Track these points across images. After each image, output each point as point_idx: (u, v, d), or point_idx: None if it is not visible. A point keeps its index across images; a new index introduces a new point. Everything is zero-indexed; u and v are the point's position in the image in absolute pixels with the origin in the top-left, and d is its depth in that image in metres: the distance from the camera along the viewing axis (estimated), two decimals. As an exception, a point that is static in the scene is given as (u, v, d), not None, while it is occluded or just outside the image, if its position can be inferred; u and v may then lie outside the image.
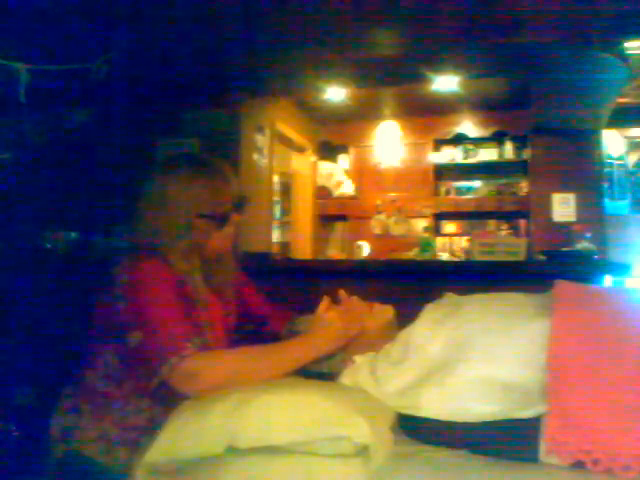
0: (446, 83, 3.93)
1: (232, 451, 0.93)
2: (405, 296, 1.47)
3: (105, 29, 2.62)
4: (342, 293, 1.27)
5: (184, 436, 0.95)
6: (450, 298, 1.30)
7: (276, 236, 4.84)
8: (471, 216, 5.23)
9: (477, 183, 5.28)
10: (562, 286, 1.17)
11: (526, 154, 4.77)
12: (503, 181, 5.15)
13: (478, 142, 5.13)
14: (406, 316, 1.21)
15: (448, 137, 5.12)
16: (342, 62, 3.32)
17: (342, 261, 3.74)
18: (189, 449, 0.94)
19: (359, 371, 1.13)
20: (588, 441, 0.85)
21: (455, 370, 1.01)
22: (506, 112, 4.76)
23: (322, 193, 5.43)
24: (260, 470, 0.93)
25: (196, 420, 0.96)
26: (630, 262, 2.02)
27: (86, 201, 2.81)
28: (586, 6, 2.53)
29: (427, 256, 3.30)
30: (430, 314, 1.18)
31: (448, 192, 5.30)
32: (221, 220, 1.22)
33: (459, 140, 5.16)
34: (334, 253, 5.35)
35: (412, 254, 3.66)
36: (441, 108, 4.79)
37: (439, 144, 5.25)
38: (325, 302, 1.21)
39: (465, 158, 5.19)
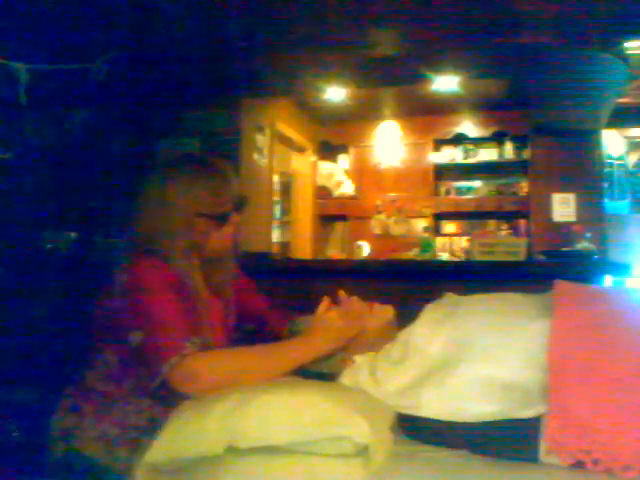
0: (446, 83, 3.93)
1: (232, 451, 0.93)
2: (405, 296, 1.47)
3: (105, 29, 2.62)
4: (342, 293, 1.27)
5: (184, 436, 0.96)
6: (450, 298, 1.29)
7: (276, 236, 4.84)
8: (471, 216, 5.23)
9: (477, 183, 5.28)
10: (562, 286, 1.17)
11: (526, 154, 4.77)
12: (503, 181, 5.16)
13: (478, 142, 5.13)
14: (406, 316, 1.21)
15: (448, 137, 5.13)
16: (342, 62, 3.32)
17: (342, 261, 3.74)
18: (189, 449, 0.94)
19: (359, 371, 1.13)
20: (588, 441, 0.85)
21: (455, 370, 1.01)
22: (506, 112, 4.76)
23: (322, 193, 5.43)
24: (260, 470, 0.93)
25: (196, 420, 0.96)
26: (630, 262, 2.02)
27: (86, 201, 2.81)
28: (586, 6, 2.53)
29: (427, 256, 3.31)
30: (430, 314, 1.18)
31: (448, 192, 5.30)
32: (221, 220, 1.22)
33: (459, 140, 5.16)
34: (334, 253, 5.35)
35: (412, 254, 3.66)
36: (441, 108, 4.79)
37: (439, 144, 5.25)
38: (325, 302, 1.21)
39: (465, 158, 5.19)
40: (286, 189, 5.14)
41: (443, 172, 5.33)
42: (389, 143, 5.26)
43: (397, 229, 5.10)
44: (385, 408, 1.03)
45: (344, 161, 5.55)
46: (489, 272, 2.04)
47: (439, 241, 5.16)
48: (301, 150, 5.13)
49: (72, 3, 2.41)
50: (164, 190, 1.18)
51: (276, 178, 4.69)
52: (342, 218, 5.49)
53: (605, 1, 2.48)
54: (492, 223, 5.20)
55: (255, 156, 3.95)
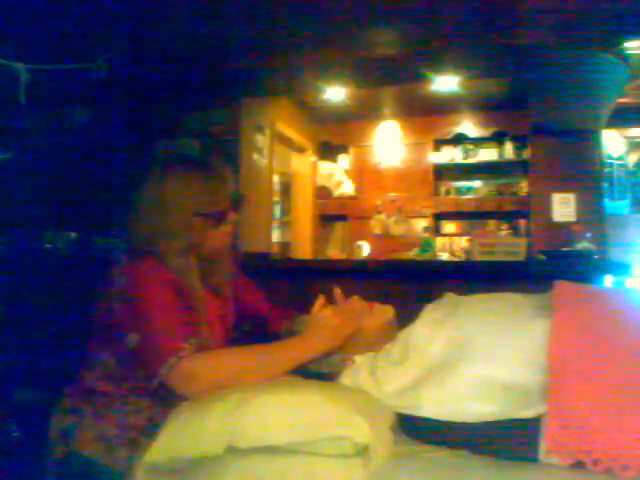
0: (446, 83, 3.93)
1: (232, 451, 0.93)
2: (405, 296, 1.47)
3: (105, 29, 2.62)
4: (337, 291, 1.27)
5: (184, 436, 0.95)
6: (450, 298, 1.29)
7: (276, 236, 4.84)
8: (471, 216, 5.23)
9: (477, 183, 5.29)
10: (562, 286, 1.17)
11: (526, 154, 4.77)
12: (503, 181, 5.16)
13: (478, 142, 5.13)
14: (406, 316, 1.21)
15: (448, 137, 5.13)
16: (342, 62, 3.32)
17: (342, 261, 3.74)
18: (189, 449, 0.94)
19: (359, 371, 1.13)
20: (588, 441, 0.85)
21: (455, 370, 1.01)
22: (506, 112, 4.76)
23: (322, 193, 5.43)
24: (260, 470, 0.93)
25: (196, 420, 0.96)
26: (630, 262, 2.02)
27: (86, 201, 2.81)
28: (586, 6, 2.53)
29: (427, 256, 3.31)
30: (430, 314, 1.18)
31: (448, 192, 5.30)
32: (218, 219, 1.22)
33: (459, 140, 5.16)
34: (334, 253, 5.35)
35: (412, 254, 3.66)
36: (441, 108, 4.79)
37: (439, 144, 5.25)
38: (320, 301, 1.21)
39: (465, 158, 5.19)
40: (286, 189, 5.14)
41: (443, 172, 5.34)
42: (389, 143, 5.26)
43: (397, 229, 5.10)
44: (385, 408, 1.03)
45: (344, 161, 5.55)
46: (489, 272, 2.04)
47: (439, 241, 5.16)
48: (301, 150, 5.13)
49: (72, 3, 2.41)
50: (161, 190, 1.18)
51: (276, 178, 4.69)
52: (342, 218, 5.49)
53: (605, 1, 2.48)
54: (492, 223, 5.20)
55: (255, 156, 3.95)
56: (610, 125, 4.23)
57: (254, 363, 1.10)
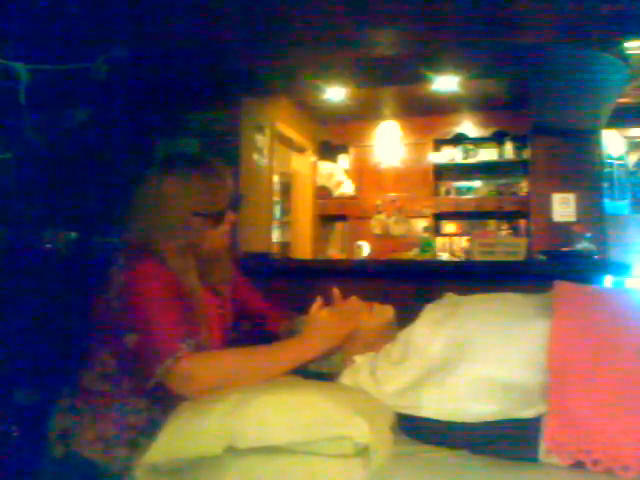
0: (446, 83, 3.93)
1: (232, 451, 0.93)
2: (405, 296, 1.47)
3: (105, 29, 2.62)
4: (335, 292, 1.27)
5: (184, 436, 0.95)
6: (450, 298, 1.30)
7: (276, 236, 4.85)
8: (471, 216, 5.23)
9: (477, 183, 5.29)
10: (562, 287, 1.17)
11: (526, 154, 4.77)
12: (503, 181, 5.16)
13: (478, 142, 5.13)
14: (406, 316, 1.21)
15: (448, 137, 5.13)
16: (342, 62, 3.32)
17: (342, 261, 3.74)
18: (189, 449, 0.94)
19: (359, 371, 1.13)
20: (588, 441, 0.85)
21: (455, 370, 1.01)
22: (506, 112, 4.76)
23: (322, 193, 5.44)
24: (260, 470, 0.93)
25: (195, 420, 0.96)
26: (630, 262, 2.02)
27: (86, 201, 2.81)
28: (586, 6, 2.53)
29: (427, 256, 3.30)
30: (430, 314, 1.18)
31: (448, 192, 5.30)
32: (217, 219, 1.22)
33: (459, 140, 5.16)
34: (334, 253, 5.35)
35: (412, 254, 3.66)
36: (441, 108, 4.79)
37: (439, 144, 5.25)
38: (317, 302, 1.21)
39: (465, 158, 5.19)
40: (286, 189, 5.14)
41: (443, 172, 5.34)
42: (389, 143, 5.26)
43: (397, 229, 5.10)
44: (385, 408, 1.03)
45: (344, 161, 5.56)
46: (489, 272, 2.03)
47: (439, 241, 5.16)
48: (301, 150, 5.13)
49: (72, 3, 2.41)
50: (159, 190, 1.18)
51: (276, 178, 4.69)
52: (342, 218, 5.49)
53: (605, 1, 2.48)
54: (492, 223, 5.20)
55: (255, 156, 3.95)
56: (610, 125, 4.23)
57: (253, 364, 1.10)
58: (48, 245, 2.49)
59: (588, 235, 3.63)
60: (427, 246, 3.46)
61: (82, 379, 1.19)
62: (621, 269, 1.98)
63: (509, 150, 5.00)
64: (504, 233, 4.89)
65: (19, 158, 2.45)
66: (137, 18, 2.62)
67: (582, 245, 3.45)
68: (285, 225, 5.15)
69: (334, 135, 5.41)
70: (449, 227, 5.38)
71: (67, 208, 2.68)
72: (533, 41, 2.83)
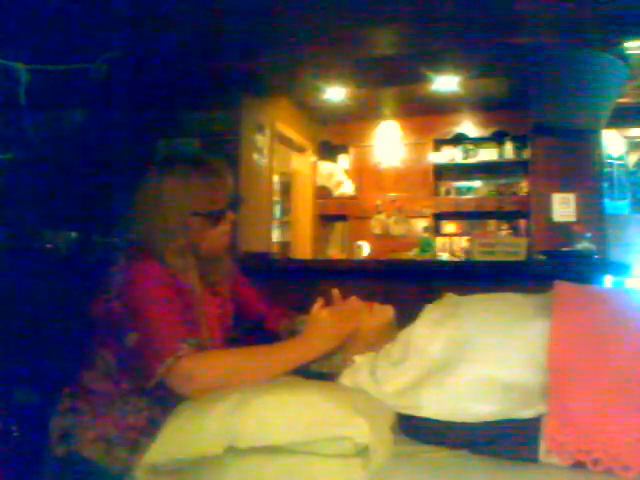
0: (446, 83, 3.94)
1: (232, 451, 0.93)
2: (405, 296, 1.47)
3: (105, 29, 2.62)
4: (335, 292, 1.27)
5: (184, 436, 0.95)
6: (450, 298, 1.29)
7: (276, 236, 4.85)
8: (471, 216, 5.23)
9: (477, 183, 5.29)
10: (562, 287, 1.17)
11: (526, 154, 4.77)
12: (503, 181, 5.16)
13: (478, 142, 5.13)
14: (406, 316, 1.21)
15: (448, 137, 5.13)
16: (342, 62, 3.32)
17: (342, 261, 3.74)
18: (189, 449, 0.94)
19: (359, 371, 1.13)
20: (588, 441, 0.85)
21: (455, 370, 1.00)
22: (506, 112, 4.76)
23: (322, 193, 5.44)
24: (260, 470, 0.93)
25: (196, 420, 0.96)
26: (630, 262, 2.02)
27: (86, 201, 2.81)
28: (586, 6, 2.53)
29: (427, 256, 3.30)
30: (430, 314, 1.18)
31: (448, 192, 5.30)
32: (216, 218, 1.22)
33: (459, 140, 5.16)
34: (334, 253, 5.35)
35: (412, 254, 3.66)
36: (441, 108, 4.79)
37: (439, 144, 5.25)
38: (318, 302, 1.21)
39: (465, 158, 5.19)
40: (286, 189, 5.14)
41: (443, 172, 5.34)
42: (389, 143, 5.26)
43: (397, 229, 5.10)
44: (385, 408, 1.03)
45: (344, 161, 5.56)
46: (489, 272, 2.03)
47: (439, 241, 5.16)
48: (301, 150, 5.13)
49: (72, 3, 2.41)
50: (159, 189, 1.18)
51: (276, 178, 4.69)
52: (342, 218, 5.49)
53: (605, 1, 2.48)
54: (492, 223, 5.20)
55: (255, 156, 3.95)
56: (610, 125, 4.22)
57: (253, 364, 1.10)
58: (48, 245, 2.49)
59: (588, 235, 3.63)
60: (427, 246, 3.46)
61: (82, 379, 1.19)
62: (621, 269, 1.98)
63: (509, 150, 5.00)
64: (504, 233, 4.90)
65: (19, 158, 2.45)
66: (136, 18, 2.62)
67: (582, 245, 3.44)
68: (285, 225, 5.15)
69: (334, 135, 5.41)
70: (449, 227, 5.38)
71: (67, 208, 2.68)
72: (533, 41, 2.83)
